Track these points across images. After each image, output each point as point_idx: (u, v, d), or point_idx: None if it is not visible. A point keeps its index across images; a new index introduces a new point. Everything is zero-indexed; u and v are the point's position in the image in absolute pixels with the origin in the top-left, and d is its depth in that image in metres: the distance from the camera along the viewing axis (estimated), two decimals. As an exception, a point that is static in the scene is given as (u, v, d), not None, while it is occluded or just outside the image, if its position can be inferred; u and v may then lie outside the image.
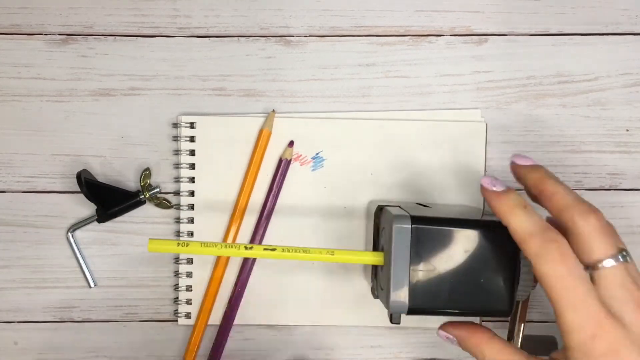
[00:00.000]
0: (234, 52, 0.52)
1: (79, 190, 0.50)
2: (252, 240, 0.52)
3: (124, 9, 0.52)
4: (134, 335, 0.53)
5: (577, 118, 0.52)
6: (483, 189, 0.41)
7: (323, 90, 0.52)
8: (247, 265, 0.52)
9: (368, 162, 0.52)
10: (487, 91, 0.52)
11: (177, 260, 0.52)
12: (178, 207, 0.52)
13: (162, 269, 0.53)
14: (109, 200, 0.51)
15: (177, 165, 0.52)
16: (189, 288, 0.52)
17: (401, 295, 0.42)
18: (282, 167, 0.51)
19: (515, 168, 0.43)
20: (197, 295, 0.52)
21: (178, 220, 0.52)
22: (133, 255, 0.53)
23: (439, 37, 0.52)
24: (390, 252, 0.41)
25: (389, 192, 0.52)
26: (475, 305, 0.42)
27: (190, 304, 0.52)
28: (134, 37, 0.52)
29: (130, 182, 0.53)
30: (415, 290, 0.42)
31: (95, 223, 0.52)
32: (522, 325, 0.46)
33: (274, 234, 0.52)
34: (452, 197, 0.51)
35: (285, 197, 0.52)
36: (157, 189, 0.52)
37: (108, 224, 0.52)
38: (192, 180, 0.52)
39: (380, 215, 0.47)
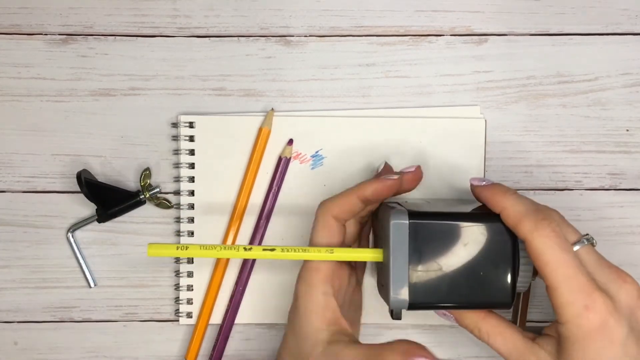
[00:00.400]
0: (234, 52, 0.52)
1: (79, 190, 0.50)
2: (252, 239, 0.52)
3: (124, 9, 0.52)
4: (134, 335, 0.53)
5: (577, 118, 0.52)
6: (473, 186, 0.44)
7: (323, 90, 0.52)
8: (247, 264, 0.52)
9: (368, 159, 0.52)
10: (487, 91, 0.52)
11: (177, 260, 0.52)
12: (178, 206, 0.52)
13: (162, 268, 0.53)
14: (109, 200, 0.51)
15: (177, 165, 0.52)
16: (190, 287, 0.52)
17: (401, 291, 0.42)
18: (282, 165, 0.51)
19: (473, 189, 0.45)
20: (198, 295, 0.52)
21: (178, 220, 0.52)
22: (133, 255, 0.53)
23: (439, 37, 0.52)
24: (389, 248, 0.41)
25: (389, 191, 0.52)
26: (476, 298, 0.42)
27: (192, 303, 0.52)
28: (134, 37, 0.52)
29: (130, 182, 0.53)
30: (415, 285, 0.42)
31: (95, 223, 0.52)
32: (525, 315, 0.47)
33: (274, 232, 0.52)
34: (452, 193, 0.52)
35: (285, 195, 0.52)
36: (157, 189, 0.52)
37: (108, 224, 0.52)
38: (191, 179, 0.52)
39: (378, 212, 0.47)
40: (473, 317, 0.44)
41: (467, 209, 0.45)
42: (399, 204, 0.45)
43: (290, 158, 0.52)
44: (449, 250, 0.42)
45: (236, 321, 0.52)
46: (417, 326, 0.53)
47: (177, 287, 0.52)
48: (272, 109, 0.52)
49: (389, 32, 0.52)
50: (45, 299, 0.53)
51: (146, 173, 0.51)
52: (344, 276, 0.45)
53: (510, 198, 0.42)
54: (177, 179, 0.52)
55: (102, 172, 0.52)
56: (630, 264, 0.52)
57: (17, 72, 0.52)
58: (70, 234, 0.52)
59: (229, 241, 0.51)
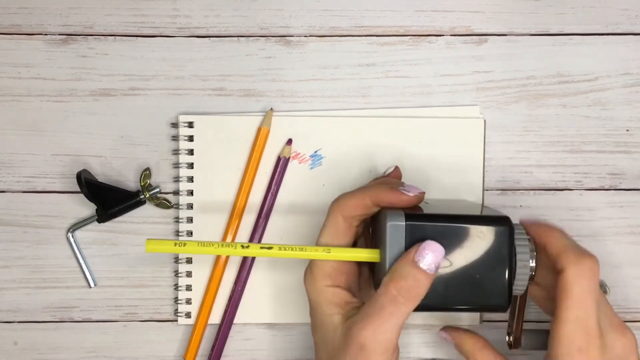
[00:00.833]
0: (234, 52, 0.52)
1: (79, 190, 0.50)
2: (251, 239, 0.52)
3: (124, 9, 0.52)
4: (134, 335, 0.53)
5: (577, 118, 0.52)
6: (522, 222, 0.45)
7: (323, 90, 0.52)
8: (246, 264, 0.52)
9: (366, 159, 0.52)
10: (487, 91, 0.52)
11: (176, 259, 0.52)
12: (177, 206, 0.52)
13: (162, 268, 0.53)
14: (109, 200, 0.51)
15: (177, 165, 0.52)
16: (188, 287, 0.52)
17: None
18: (281, 165, 0.51)
19: (522, 223, 0.46)
20: (197, 295, 0.52)
21: (177, 219, 0.52)
22: (133, 255, 0.53)
23: (439, 37, 0.52)
24: (385, 249, 0.41)
25: (389, 192, 0.52)
26: (472, 301, 0.42)
27: (190, 303, 0.52)
28: (134, 37, 0.52)
29: (130, 182, 0.53)
30: None
31: (95, 223, 0.52)
32: (522, 318, 0.47)
33: (273, 232, 0.52)
34: (451, 193, 0.51)
35: (284, 195, 0.52)
36: (157, 189, 0.52)
37: (108, 224, 0.52)
38: (191, 179, 0.52)
39: (376, 213, 0.47)
40: (471, 345, 0.46)
41: (466, 210, 0.45)
42: None
43: (289, 158, 0.52)
44: (445, 252, 0.42)
45: (235, 321, 0.52)
46: (417, 326, 0.53)
47: (176, 287, 0.52)
48: (271, 109, 0.52)
49: (389, 32, 0.52)
50: (45, 299, 0.53)
51: (146, 173, 0.51)
52: (351, 270, 0.45)
53: (558, 231, 0.44)
54: (177, 179, 0.52)
55: (102, 172, 0.52)
56: (630, 263, 0.53)
57: (17, 72, 0.52)
58: (70, 234, 0.52)
59: (228, 240, 0.51)
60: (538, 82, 0.52)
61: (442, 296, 0.42)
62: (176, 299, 0.52)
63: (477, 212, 0.45)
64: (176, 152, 0.52)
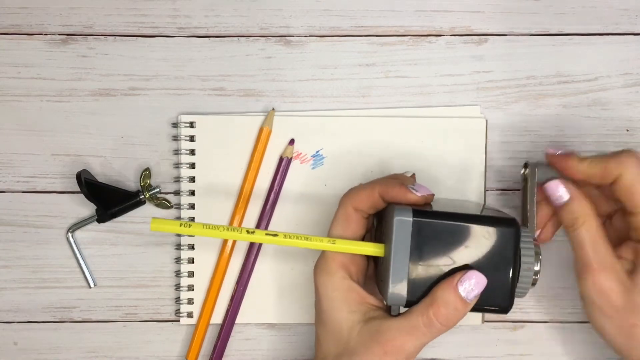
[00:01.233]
0: (234, 52, 0.52)
1: (79, 190, 0.50)
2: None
3: (124, 9, 0.52)
4: (134, 335, 0.53)
5: (577, 118, 0.52)
6: (549, 154, 0.47)
7: (323, 90, 0.52)
8: (249, 264, 0.52)
9: (368, 159, 0.52)
10: (487, 91, 0.52)
11: (177, 260, 0.52)
12: (178, 206, 0.52)
13: (162, 269, 0.53)
14: (109, 200, 0.51)
15: (177, 165, 0.52)
16: (190, 287, 0.52)
17: (400, 287, 0.42)
18: (283, 165, 0.51)
19: (548, 158, 0.47)
20: (199, 295, 0.52)
21: (178, 219, 0.52)
22: (133, 255, 0.53)
23: (439, 37, 0.52)
24: (391, 244, 0.42)
25: (389, 191, 0.52)
26: None
27: (192, 303, 0.52)
28: (134, 37, 0.52)
29: (130, 182, 0.53)
30: (414, 283, 0.42)
31: (95, 223, 0.52)
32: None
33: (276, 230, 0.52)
34: (453, 193, 0.51)
35: (286, 195, 0.52)
36: (157, 189, 0.52)
37: (108, 224, 0.52)
38: (192, 179, 0.52)
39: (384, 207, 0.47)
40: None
41: (468, 210, 0.45)
42: None
43: (291, 158, 0.52)
44: (451, 250, 0.42)
45: (237, 321, 0.52)
46: (417, 326, 0.53)
47: (177, 287, 0.52)
48: (273, 109, 0.52)
49: (389, 32, 0.52)
50: (45, 299, 0.53)
51: (146, 173, 0.51)
52: (361, 260, 0.45)
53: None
54: (177, 179, 0.52)
55: (102, 172, 0.52)
56: (630, 263, 0.53)
57: (17, 72, 0.52)
58: (70, 234, 0.52)
59: (229, 241, 0.51)
60: (538, 82, 0.52)
61: None
62: (178, 299, 0.52)
63: (479, 212, 0.45)
64: (177, 152, 0.52)
